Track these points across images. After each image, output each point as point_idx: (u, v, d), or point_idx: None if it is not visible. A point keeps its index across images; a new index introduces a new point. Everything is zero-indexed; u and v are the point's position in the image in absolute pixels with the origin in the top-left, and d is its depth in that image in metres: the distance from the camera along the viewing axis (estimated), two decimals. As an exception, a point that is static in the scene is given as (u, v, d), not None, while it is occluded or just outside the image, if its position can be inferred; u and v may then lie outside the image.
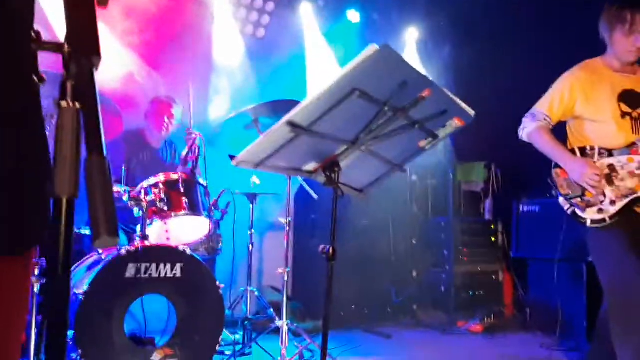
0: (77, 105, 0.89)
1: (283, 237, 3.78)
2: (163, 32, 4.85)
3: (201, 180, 3.59)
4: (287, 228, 3.77)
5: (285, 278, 3.66)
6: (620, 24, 2.74)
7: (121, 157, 4.08)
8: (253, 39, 5.63)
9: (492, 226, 6.00)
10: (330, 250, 1.90)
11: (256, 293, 4.16)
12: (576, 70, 2.90)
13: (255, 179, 4.21)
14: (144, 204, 3.31)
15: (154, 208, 3.37)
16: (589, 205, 2.71)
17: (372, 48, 1.54)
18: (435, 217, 6.03)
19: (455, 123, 1.95)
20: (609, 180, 2.71)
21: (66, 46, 0.91)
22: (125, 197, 3.32)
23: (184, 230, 3.60)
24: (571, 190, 2.77)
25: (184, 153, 3.66)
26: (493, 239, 5.95)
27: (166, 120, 4.24)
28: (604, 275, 2.70)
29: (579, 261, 4.48)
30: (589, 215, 2.71)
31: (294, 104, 3.67)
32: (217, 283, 3.20)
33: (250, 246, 4.23)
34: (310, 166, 1.97)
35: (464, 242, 5.76)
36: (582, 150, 2.80)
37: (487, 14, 5.86)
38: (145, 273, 3.01)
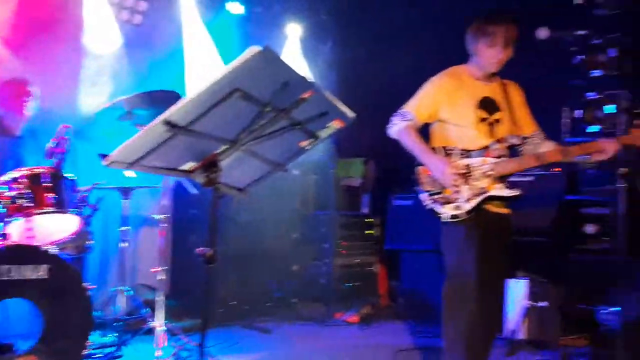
0: None
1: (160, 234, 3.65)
2: (29, 14, 4.47)
3: (69, 174, 3.37)
4: (163, 224, 3.64)
5: (161, 276, 3.54)
6: (484, 37, 2.94)
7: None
8: (128, 25, 5.33)
9: (369, 220, 6.23)
10: (209, 254, 1.84)
11: (129, 292, 3.98)
12: (442, 75, 3.07)
13: (129, 172, 4.01)
14: (4, 200, 3.06)
15: (15, 204, 3.12)
16: (447, 201, 2.92)
17: (254, 49, 1.52)
18: (317, 211, 6.13)
19: (335, 124, 1.98)
20: (466, 179, 2.92)
21: None
22: (-20, 193, 3.03)
23: (50, 228, 3.36)
24: (432, 187, 2.96)
25: (49, 145, 3.40)
26: (370, 232, 6.18)
27: (25, 99, 3.92)
28: (450, 261, 2.98)
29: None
30: (447, 211, 2.92)
31: (170, 94, 3.56)
32: (86, 284, 3.06)
33: (124, 243, 4.04)
34: (188, 166, 1.91)
35: (343, 236, 5.93)
36: (444, 150, 2.99)
37: (369, 11, 6.01)
38: (5, 275, 2.80)
